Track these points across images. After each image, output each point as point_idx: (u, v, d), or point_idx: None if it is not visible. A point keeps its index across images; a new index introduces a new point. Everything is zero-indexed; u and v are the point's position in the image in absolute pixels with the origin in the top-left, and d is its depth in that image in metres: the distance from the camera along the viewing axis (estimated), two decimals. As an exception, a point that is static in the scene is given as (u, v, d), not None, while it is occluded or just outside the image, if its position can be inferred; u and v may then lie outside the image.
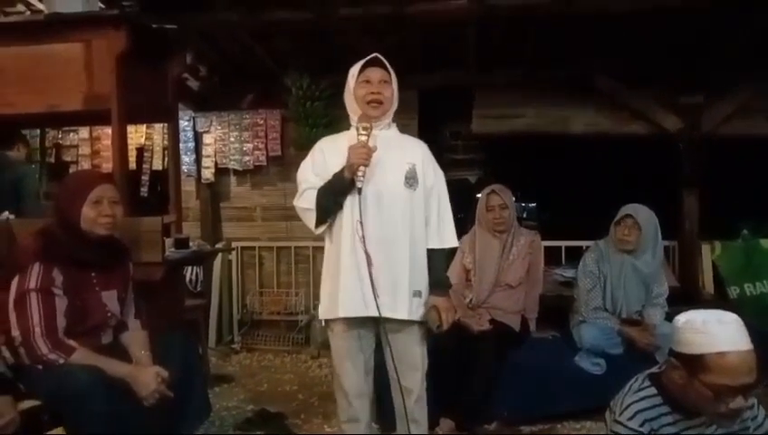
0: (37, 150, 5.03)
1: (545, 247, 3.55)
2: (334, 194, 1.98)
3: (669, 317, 2.88)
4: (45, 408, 1.59)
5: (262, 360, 4.34)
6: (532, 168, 6.32)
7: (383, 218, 1.99)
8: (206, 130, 4.80)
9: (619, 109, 4.32)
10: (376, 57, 2.05)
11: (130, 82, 2.95)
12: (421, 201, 2.05)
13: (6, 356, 1.70)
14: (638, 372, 1.74)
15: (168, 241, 2.99)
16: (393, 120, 2.14)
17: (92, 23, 2.91)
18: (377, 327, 2.05)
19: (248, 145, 4.74)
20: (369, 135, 1.95)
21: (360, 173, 1.92)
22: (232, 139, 4.76)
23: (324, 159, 2.06)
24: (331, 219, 2.02)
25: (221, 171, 4.87)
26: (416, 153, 2.08)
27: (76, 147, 5.00)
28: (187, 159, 4.70)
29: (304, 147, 4.27)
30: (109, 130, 4.78)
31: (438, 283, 2.09)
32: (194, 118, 4.77)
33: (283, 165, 4.80)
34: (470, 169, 5.15)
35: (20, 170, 3.85)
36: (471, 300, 3.08)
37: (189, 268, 4.36)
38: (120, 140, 2.95)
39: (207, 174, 4.82)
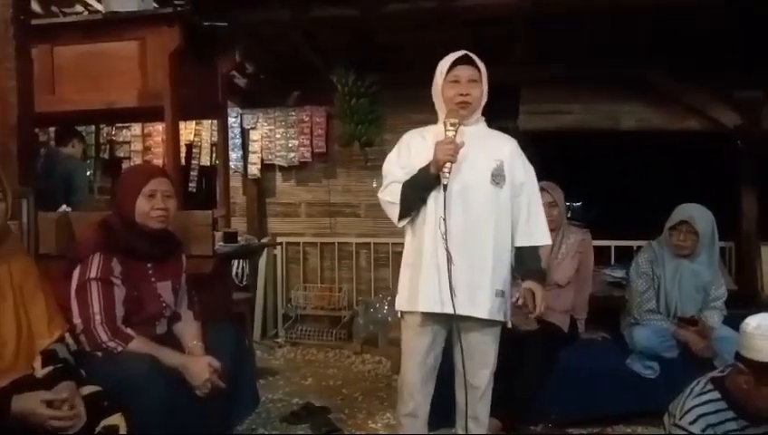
0: (92, 147, 5.21)
1: (593, 247, 3.46)
2: (418, 189, 1.97)
3: (727, 321, 2.77)
4: (105, 394, 1.63)
5: (306, 354, 4.39)
6: (578, 165, 6.19)
7: (467, 216, 1.97)
8: (253, 126, 4.88)
9: (672, 104, 4.17)
10: (465, 55, 2.02)
11: (182, 79, 3.03)
12: (508, 199, 2.02)
13: (70, 343, 1.76)
14: (694, 376, 1.68)
15: (217, 235, 3.04)
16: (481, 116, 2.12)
17: (147, 21, 2.99)
18: (451, 325, 2.04)
19: (294, 142, 4.80)
20: (456, 131, 1.94)
21: (445, 169, 1.91)
22: (278, 135, 4.83)
23: (410, 152, 2.05)
24: (414, 214, 2.02)
25: (267, 167, 4.95)
26: (503, 150, 2.05)
27: (129, 143, 5.15)
28: (234, 156, 4.79)
29: (349, 144, 4.32)
30: (160, 127, 4.94)
31: (534, 271, 2.06)
32: (241, 115, 4.85)
33: (328, 162, 4.85)
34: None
35: (70, 166, 4.01)
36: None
37: (235, 262, 4.45)
38: (173, 136, 3.02)
39: (254, 170, 4.90)
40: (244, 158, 4.90)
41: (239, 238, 3.25)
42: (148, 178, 2.03)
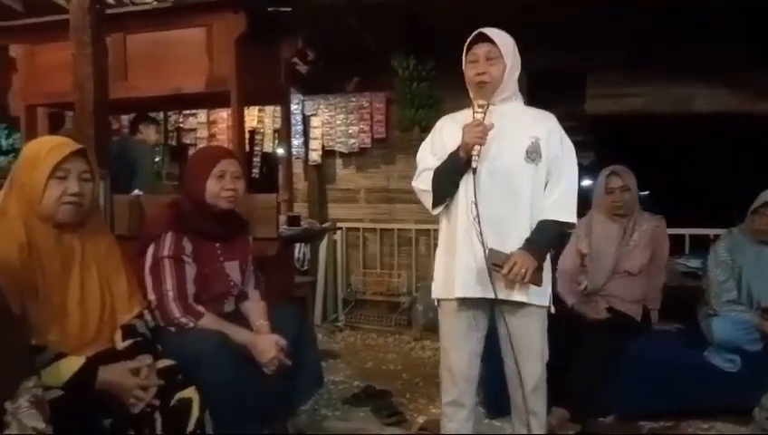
0: (161, 134, 5.39)
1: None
2: (449, 174, 1.92)
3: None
4: (179, 368, 1.68)
5: (365, 338, 4.41)
6: (647, 151, 5.91)
7: (501, 196, 1.90)
8: (314, 113, 4.92)
9: (747, 86, 3.92)
10: (480, 33, 1.94)
11: (247, 64, 3.07)
12: (544, 177, 1.94)
13: (148, 319, 1.81)
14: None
15: (281, 219, 3.09)
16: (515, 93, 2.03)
17: (213, 7, 3.05)
18: (491, 310, 1.99)
19: (353, 128, 4.81)
20: (485, 112, 1.87)
21: (474, 152, 1.85)
22: (338, 121, 4.85)
23: (443, 139, 2.00)
24: (447, 200, 1.97)
25: (327, 154, 4.99)
26: (540, 126, 1.96)
27: (195, 130, 5.31)
28: (295, 142, 4.85)
29: (409, 129, 4.28)
30: (224, 114, 5.07)
31: (533, 241, 1.89)
32: (302, 101, 4.90)
33: (388, 147, 4.83)
34: (582, 151, 4.89)
35: (138, 151, 4.16)
36: (585, 287, 2.92)
37: (297, 247, 4.51)
38: (238, 122, 3.07)
39: (315, 156, 4.95)
40: (306, 144, 4.95)
41: (302, 222, 3.28)
42: (218, 159, 2.07)
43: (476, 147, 1.84)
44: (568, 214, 1.93)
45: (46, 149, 1.60)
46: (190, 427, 1.59)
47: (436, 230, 4.61)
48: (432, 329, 4.36)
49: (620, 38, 3.95)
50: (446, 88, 4.35)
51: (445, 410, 2.07)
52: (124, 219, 2.71)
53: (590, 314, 2.74)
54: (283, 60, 3.47)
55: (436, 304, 2.07)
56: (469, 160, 1.87)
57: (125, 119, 4.89)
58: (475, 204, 1.86)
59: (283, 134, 3.86)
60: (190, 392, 1.63)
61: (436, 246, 4.67)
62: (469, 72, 1.95)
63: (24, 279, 1.50)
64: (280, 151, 5.13)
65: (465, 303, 1.96)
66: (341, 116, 4.85)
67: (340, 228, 4.72)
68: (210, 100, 3.52)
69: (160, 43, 3.14)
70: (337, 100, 4.85)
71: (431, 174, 1.95)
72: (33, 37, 3.44)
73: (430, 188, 1.95)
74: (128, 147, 4.23)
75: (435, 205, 1.97)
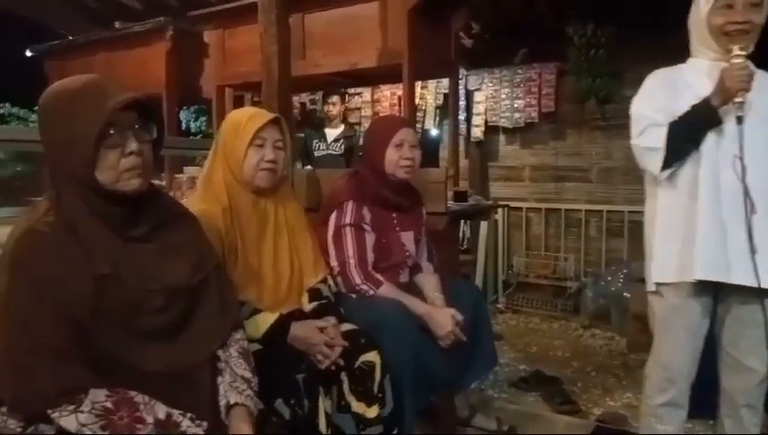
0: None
1: None
2: (695, 128, 1.67)
3: None
4: (361, 332, 1.70)
5: (528, 322, 4.25)
6: None
7: (762, 157, 1.63)
8: (478, 87, 4.79)
9: None
10: None
11: (419, 37, 3.03)
12: None
13: (331, 284, 1.86)
14: None
15: (448, 194, 3.03)
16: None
17: (388, -21, 3.05)
18: (716, 294, 1.72)
19: (520, 102, 4.60)
20: (746, 56, 1.61)
21: (739, 99, 1.59)
22: (503, 96, 4.67)
23: (665, 94, 1.74)
24: (683, 160, 1.72)
25: (490, 130, 4.84)
26: None
27: (359, 109, 5.45)
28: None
29: (584, 100, 3.98)
30: (387, 93, 5.14)
31: None
32: (466, 76, 4.78)
33: (557, 122, 4.56)
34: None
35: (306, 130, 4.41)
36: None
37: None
38: (409, 96, 3.06)
39: (477, 132, 4.83)
40: (468, 120, 4.84)
41: (469, 198, 3.20)
42: (396, 128, 2.06)
43: (740, 94, 1.59)
44: None
45: (246, 117, 1.67)
46: (374, 389, 1.60)
47: (610, 212, 4.34)
48: (602, 317, 4.06)
49: None
50: (627, 56, 3.98)
51: (656, 412, 1.82)
52: (302, 192, 2.84)
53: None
54: (453, 31, 3.38)
55: (652, 288, 1.80)
56: (716, 113, 1.62)
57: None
58: (741, 159, 1.61)
59: (451, 110, 3.79)
60: (373, 356, 1.64)
61: (609, 228, 4.42)
62: (718, 19, 1.66)
63: (227, 241, 1.59)
64: (434, 132, 5.09)
65: (697, 289, 1.70)
66: (507, 90, 4.66)
67: (507, 205, 4.55)
68: (382, 75, 3.55)
69: (338, 20, 3.22)
70: (503, 73, 4.67)
71: (660, 130, 1.69)
72: (225, 22, 3.73)
73: (662, 146, 1.69)
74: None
75: (666, 165, 1.71)
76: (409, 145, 2.06)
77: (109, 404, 1.02)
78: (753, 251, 1.58)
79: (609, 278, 4.04)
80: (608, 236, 4.40)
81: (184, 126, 6.15)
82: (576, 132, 4.50)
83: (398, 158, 2.03)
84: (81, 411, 0.99)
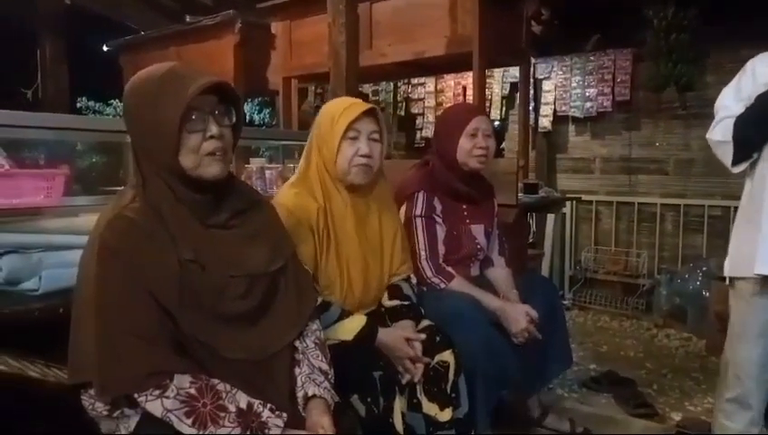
0: (390, 105, 5.60)
1: None
2: (760, 119, 1.57)
3: None
4: (437, 329, 1.64)
5: (597, 320, 4.08)
6: None
7: None
8: (547, 76, 4.63)
9: None
10: None
11: (490, 24, 2.94)
12: None
13: (413, 283, 1.77)
14: None
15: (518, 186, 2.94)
16: None
17: (458, -35, 2.97)
18: None
19: (591, 90, 4.41)
20: None
21: None
22: (573, 84, 4.49)
23: (755, 80, 1.64)
24: (754, 155, 1.62)
25: (559, 120, 4.68)
26: None
27: (422, 100, 5.39)
28: (525, 108, 4.61)
29: (663, 88, 3.76)
30: (452, 83, 5.05)
31: None
32: (534, 64, 4.63)
33: (631, 111, 4.34)
34: None
35: None
36: None
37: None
38: (480, 84, 2.98)
39: (545, 122, 4.67)
40: (536, 110, 4.69)
41: (539, 190, 3.09)
42: (470, 116, 2.00)
43: None
44: None
45: (341, 109, 1.58)
46: (447, 390, 1.56)
47: (688, 206, 4.12)
48: (677, 317, 3.86)
49: None
50: (710, 41, 3.73)
51: (724, 407, 1.77)
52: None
53: None
54: (525, 17, 3.27)
55: (727, 283, 1.75)
56: None
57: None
58: None
59: (521, 99, 3.68)
60: (448, 355, 1.59)
61: (686, 223, 4.20)
62: None
63: (319, 241, 1.54)
64: (496, 123, 4.95)
65: (766, 284, 1.62)
66: (577, 78, 4.48)
67: (578, 198, 4.38)
68: (449, 64, 3.48)
69: (405, 8, 3.17)
70: (573, 60, 4.49)
71: (732, 122, 1.62)
72: (292, 13, 3.75)
73: (730, 139, 1.61)
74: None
75: (736, 161, 1.63)
76: (483, 134, 1.99)
77: (193, 391, 1.02)
78: None
79: (687, 276, 3.83)
80: (685, 232, 4.16)
81: (247, 118, 6.26)
82: (652, 122, 4.27)
83: (471, 147, 1.97)
84: (167, 397, 1.00)
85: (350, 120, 1.55)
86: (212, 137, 1.10)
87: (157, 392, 1.00)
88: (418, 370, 1.54)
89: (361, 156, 1.56)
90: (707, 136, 1.71)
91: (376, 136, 1.61)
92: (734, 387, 1.74)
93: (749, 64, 1.70)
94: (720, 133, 1.65)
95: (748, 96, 1.63)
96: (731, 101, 1.66)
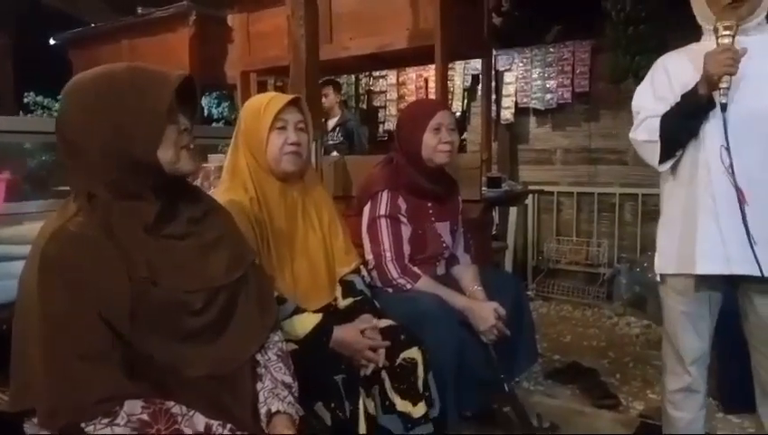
0: (352, 97, 5.53)
1: None
2: (685, 118, 1.58)
3: None
4: (401, 328, 1.62)
5: (559, 310, 4.14)
6: None
7: (760, 146, 1.53)
8: (508, 68, 4.64)
9: None
10: None
11: (452, 16, 2.91)
12: None
13: (364, 275, 1.77)
14: None
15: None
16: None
17: (418, -44, 2.92)
18: (727, 284, 1.65)
19: (552, 82, 4.45)
20: (734, 36, 1.50)
21: (723, 84, 1.50)
22: (534, 76, 4.52)
23: (669, 78, 1.65)
24: (680, 152, 1.64)
25: (520, 111, 4.71)
26: None
27: (384, 92, 5.34)
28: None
29: (622, 79, 3.81)
30: (413, 75, 5.03)
31: None
32: (495, 56, 4.63)
33: (590, 102, 4.40)
34: None
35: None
36: None
37: (487, 210, 4.34)
38: (442, 77, 2.95)
39: (507, 114, 4.69)
40: (497, 102, 4.71)
41: (502, 184, 3.09)
42: (434, 111, 1.96)
43: (726, 78, 1.50)
44: None
45: (266, 101, 1.60)
46: (418, 386, 1.54)
47: (646, 195, 4.19)
48: (636, 305, 3.95)
49: None
50: (672, 29, 3.77)
51: (672, 398, 1.80)
52: (330, 180, 2.76)
53: None
54: (486, 10, 3.25)
55: (657, 279, 1.77)
56: (711, 99, 1.53)
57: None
58: (728, 149, 1.52)
59: (484, 91, 3.67)
60: (414, 352, 1.57)
61: (645, 213, 4.28)
62: None
63: (258, 230, 1.53)
64: (458, 114, 4.95)
65: (700, 281, 1.65)
66: (538, 70, 4.50)
67: (540, 190, 4.42)
68: (411, 57, 3.44)
69: (364, 0, 3.11)
70: (534, 52, 4.51)
71: (656, 121, 1.62)
72: (249, 5, 3.64)
73: (656, 138, 1.62)
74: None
75: (663, 158, 1.64)
76: (448, 128, 1.96)
77: (145, 416, 0.96)
78: (751, 242, 1.50)
79: (645, 265, 3.90)
80: (643, 221, 4.25)
81: (206, 112, 6.10)
82: (611, 113, 4.33)
83: (436, 142, 1.93)
84: (117, 425, 0.93)
85: (277, 109, 1.57)
86: (185, 129, 1.08)
87: (105, 421, 0.93)
88: (380, 355, 1.53)
89: (290, 144, 1.58)
90: (631, 136, 1.72)
91: (302, 126, 1.63)
92: (681, 377, 1.76)
93: (659, 63, 1.72)
94: (645, 133, 1.65)
95: (663, 95, 1.64)
96: (649, 102, 1.67)
